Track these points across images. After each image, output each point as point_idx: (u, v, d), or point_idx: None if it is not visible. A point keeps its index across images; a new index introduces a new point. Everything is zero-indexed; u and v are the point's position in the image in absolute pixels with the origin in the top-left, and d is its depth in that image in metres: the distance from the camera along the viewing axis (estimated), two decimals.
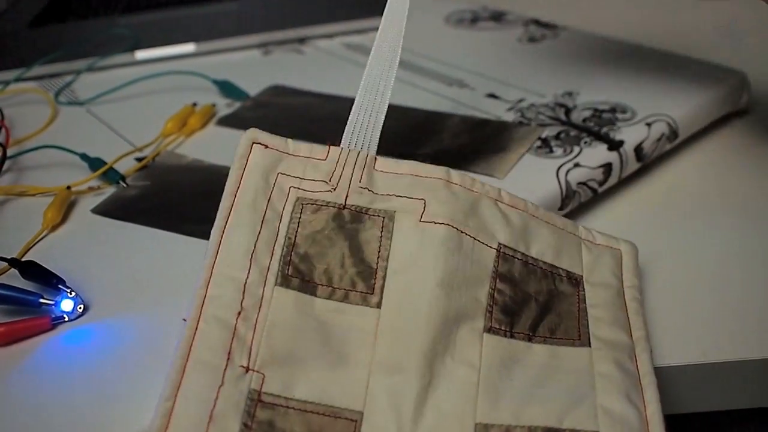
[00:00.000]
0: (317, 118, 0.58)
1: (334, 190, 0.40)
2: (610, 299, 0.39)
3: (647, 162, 0.51)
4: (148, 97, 0.63)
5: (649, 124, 0.51)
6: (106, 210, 0.49)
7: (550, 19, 0.70)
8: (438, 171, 0.41)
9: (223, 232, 0.37)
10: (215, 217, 0.41)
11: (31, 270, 0.41)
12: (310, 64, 0.67)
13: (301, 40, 0.71)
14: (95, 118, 0.61)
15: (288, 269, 0.37)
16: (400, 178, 0.40)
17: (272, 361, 0.34)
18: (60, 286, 0.40)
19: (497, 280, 0.38)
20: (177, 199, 0.49)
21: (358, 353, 0.35)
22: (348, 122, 0.43)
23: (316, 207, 0.39)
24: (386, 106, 0.43)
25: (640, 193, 0.51)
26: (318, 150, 0.41)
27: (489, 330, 0.36)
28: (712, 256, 0.45)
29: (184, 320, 0.34)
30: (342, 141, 0.42)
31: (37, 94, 0.65)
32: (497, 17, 0.72)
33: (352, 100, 0.60)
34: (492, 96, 0.58)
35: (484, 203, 0.40)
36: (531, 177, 0.47)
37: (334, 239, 0.38)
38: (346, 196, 0.39)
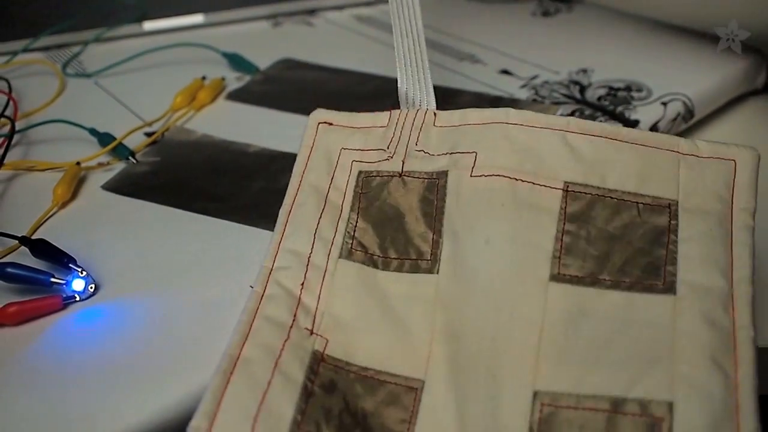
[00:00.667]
0: (328, 93, 0.57)
1: (392, 157, 0.40)
2: (709, 229, 0.35)
3: None
4: (156, 69, 0.63)
5: (665, 104, 0.50)
6: (117, 186, 0.48)
7: None
8: (497, 114, 0.39)
9: (291, 210, 0.39)
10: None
11: (42, 248, 0.41)
12: (319, 36, 0.66)
13: (311, 12, 0.70)
14: (103, 90, 0.60)
15: (351, 243, 0.38)
16: (456, 130, 0.40)
17: (335, 328, 0.35)
18: (71, 265, 0.40)
19: (565, 222, 0.35)
20: (187, 175, 0.49)
21: (419, 322, 0.35)
22: (399, 86, 0.43)
23: (376, 178, 0.40)
24: (427, 61, 0.44)
25: None
26: (380, 117, 0.42)
27: (555, 278, 0.34)
28: None
29: (251, 287, 0.36)
30: (400, 104, 0.43)
31: (44, 66, 0.64)
32: None
33: (362, 75, 0.59)
34: (505, 72, 0.57)
35: (546, 140, 0.38)
36: None
37: (393, 210, 0.38)
38: (403, 163, 0.39)
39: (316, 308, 0.36)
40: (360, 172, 0.40)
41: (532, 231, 0.35)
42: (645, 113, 0.50)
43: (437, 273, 0.36)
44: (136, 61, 0.63)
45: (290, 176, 0.41)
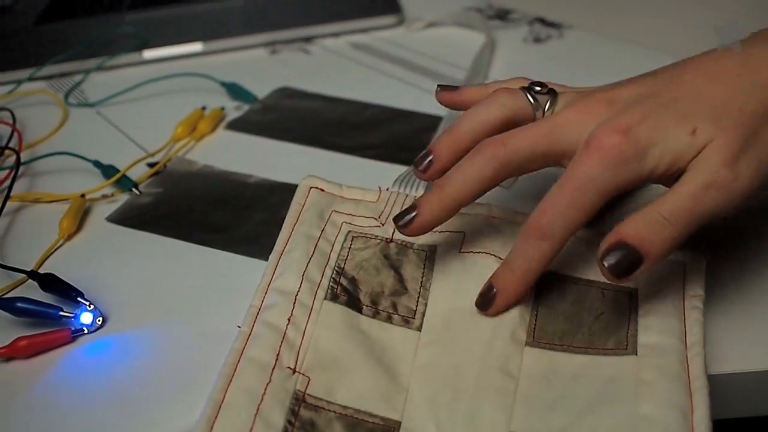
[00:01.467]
0: (325, 122, 0.58)
1: (383, 225, 0.43)
2: (665, 308, 0.38)
3: None
4: (156, 98, 0.64)
5: None
6: (121, 218, 0.50)
7: (555, 18, 0.71)
8: (481, 208, 0.43)
9: (280, 256, 0.41)
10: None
11: (51, 283, 0.42)
12: (316, 64, 0.68)
13: (307, 39, 0.72)
14: (105, 120, 0.62)
15: (337, 288, 0.40)
16: None
17: (318, 366, 0.36)
18: (79, 299, 0.41)
19: (540, 299, 0.39)
20: (190, 206, 0.50)
21: (399, 366, 0.37)
22: (399, 175, 0.48)
23: (366, 239, 0.43)
24: None
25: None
26: (370, 193, 0.46)
27: (531, 344, 0.37)
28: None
29: (239, 327, 0.38)
30: (392, 186, 0.46)
31: (46, 95, 0.66)
32: (503, 15, 0.73)
33: (358, 103, 0.61)
34: None
35: None
36: (537, 186, 0.48)
37: (380, 268, 0.41)
38: (393, 232, 0.42)
39: (301, 344, 0.37)
40: (349, 231, 0.43)
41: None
42: None
43: (419, 330, 0.38)
44: (136, 91, 0.64)
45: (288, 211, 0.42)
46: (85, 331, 0.41)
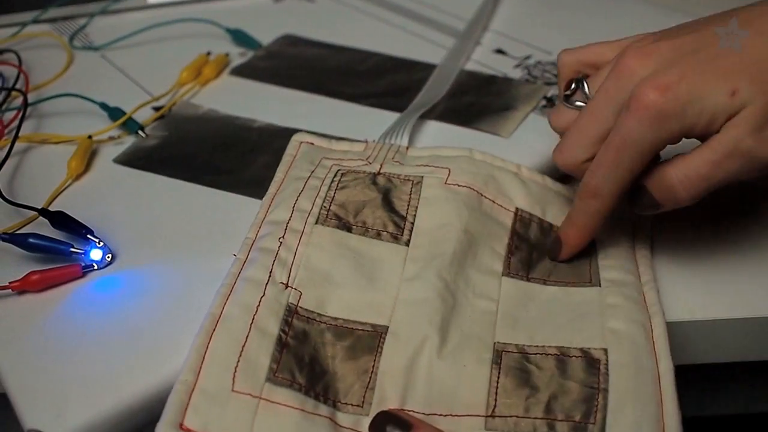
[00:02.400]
0: (328, 70, 0.59)
1: (370, 164, 0.45)
2: (620, 253, 0.43)
3: None
4: (161, 43, 0.64)
5: None
6: (128, 160, 0.51)
7: None
8: (462, 151, 0.46)
9: (273, 198, 0.44)
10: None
11: (61, 220, 0.43)
12: (320, 13, 0.68)
13: None
14: (110, 64, 0.62)
15: (327, 214, 0.42)
16: (429, 150, 0.47)
17: (309, 282, 0.38)
18: (89, 236, 0.43)
19: (515, 238, 0.42)
20: (195, 149, 0.51)
21: (387, 278, 0.39)
22: (386, 129, 0.49)
23: (354, 174, 0.44)
24: (418, 114, 0.50)
25: None
26: (357, 145, 0.48)
27: (507, 274, 0.40)
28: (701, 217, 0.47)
29: (234, 255, 0.40)
30: (378, 138, 0.48)
31: (51, 38, 0.66)
32: None
33: (362, 52, 0.61)
34: (499, 51, 0.59)
35: (504, 174, 0.45)
36: (535, 137, 0.49)
37: (368, 194, 0.43)
38: (381, 166, 0.44)
39: (293, 262, 0.39)
40: (339, 170, 0.45)
41: (492, 236, 0.42)
42: None
43: (407, 245, 0.41)
44: (141, 35, 0.65)
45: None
46: (95, 267, 0.42)
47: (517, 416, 0.35)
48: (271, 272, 0.38)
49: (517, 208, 0.44)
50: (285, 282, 0.38)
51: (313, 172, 0.45)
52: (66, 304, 0.41)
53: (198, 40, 0.64)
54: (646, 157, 0.36)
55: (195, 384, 0.34)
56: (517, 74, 0.56)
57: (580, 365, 0.36)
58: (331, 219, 0.42)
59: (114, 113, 0.54)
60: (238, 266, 0.39)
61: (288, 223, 0.41)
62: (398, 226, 0.42)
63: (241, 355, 0.35)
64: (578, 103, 0.41)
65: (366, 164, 0.45)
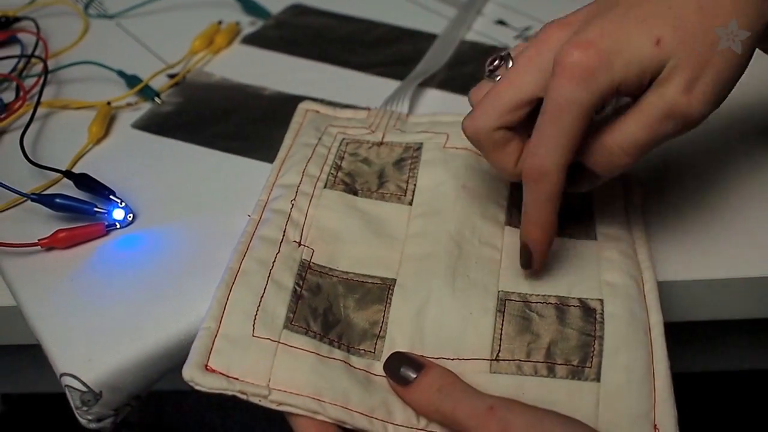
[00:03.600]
0: (336, 39, 0.61)
1: (374, 132, 0.47)
2: (615, 212, 0.45)
3: None
4: (173, 12, 0.67)
5: None
6: (145, 125, 0.53)
7: None
8: (461, 117, 0.46)
9: (283, 162, 0.46)
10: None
11: (85, 182, 0.46)
12: None
13: None
14: (125, 31, 0.65)
15: (335, 180, 0.45)
16: (429, 117, 0.49)
17: (320, 240, 0.41)
18: (111, 197, 0.45)
19: (515, 191, 0.44)
20: (209, 116, 0.54)
21: (393, 235, 0.42)
22: (387, 97, 0.51)
23: (358, 143, 0.47)
24: (418, 82, 0.52)
25: None
26: (360, 113, 0.50)
27: (510, 224, 0.43)
28: (685, 179, 0.50)
29: (249, 216, 0.43)
30: (380, 106, 0.50)
31: (66, 6, 0.68)
32: None
33: (368, 22, 0.63)
34: (500, 22, 0.61)
35: None
36: None
37: (372, 162, 0.46)
38: (383, 135, 0.47)
39: (304, 222, 0.42)
40: (344, 139, 0.47)
41: (493, 191, 0.44)
42: None
43: (411, 205, 0.44)
44: (154, 4, 0.67)
45: None
46: (118, 226, 0.45)
47: (519, 360, 0.38)
48: (284, 231, 0.41)
49: None
50: (298, 240, 0.41)
51: (320, 139, 0.47)
52: (91, 260, 0.44)
53: (209, 8, 0.66)
54: (584, 120, 0.35)
55: (217, 330, 0.37)
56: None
57: (578, 314, 0.39)
58: (338, 184, 0.44)
59: (131, 80, 0.56)
60: (252, 225, 0.42)
61: (299, 186, 0.44)
62: (401, 188, 0.44)
63: (259, 306, 0.38)
64: (499, 79, 0.39)
65: (369, 133, 0.48)
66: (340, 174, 0.45)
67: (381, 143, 0.47)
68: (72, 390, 0.38)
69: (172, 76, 0.58)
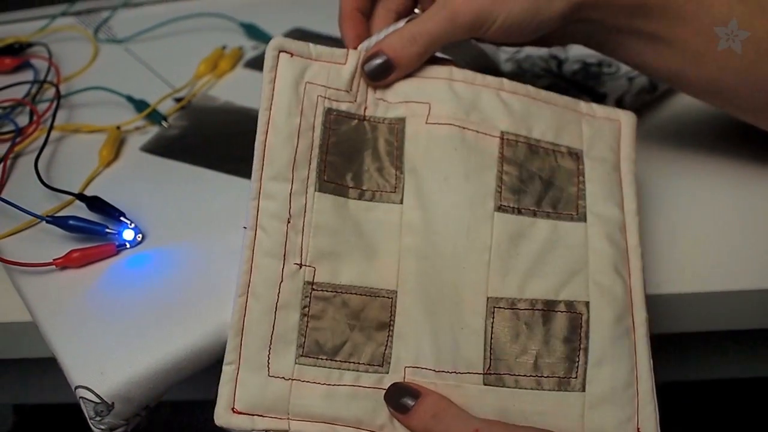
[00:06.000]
0: None
1: (355, 101, 0.45)
2: (606, 173, 0.45)
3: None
4: (179, 36, 0.69)
5: (630, 79, 0.57)
6: (153, 148, 0.56)
7: None
8: (442, 71, 0.46)
9: (265, 146, 0.43)
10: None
11: (97, 204, 0.49)
12: (330, 7, 0.72)
13: None
14: (132, 56, 0.67)
15: (323, 176, 0.43)
16: (409, 82, 0.46)
17: (319, 257, 0.42)
18: (121, 218, 0.48)
19: (503, 164, 0.44)
20: (214, 138, 0.56)
21: (388, 244, 0.43)
22: (365, 42, 0.47)
23: (341, 118, 0.44)
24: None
25: None
26: (338, 54, 0.45)
27: (499, 208, 0.43)
28: (680, 195, 0.52)
29: (245, 228, 0.42)
30: (359, 47, 0.46)
31: (77, 32, 0.71)
32: None
33: None
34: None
35: (485, 96, 0.45)
36: None
37: (358, 148, 0.44)
38: (365, 108, 0.45)
39: (301, 241, 0.42)
40: (328, 110, 0.44)
41: (480, 171, 0.43)
42: (612, 88, 0.57)
43: (401, 203, 0.43)
44: (160, 29, 0.70)
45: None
46: (128, 246, 0.48)
47: (508, 374, 0.40)
48: (285, 255, 0.41)
49: (502, 132, 0.44)
50: (299, 262, 0.41)
51: (302, 111, 0.43)
52: (103, 278, 0.46)
53: (213, 33, 0.69)
54: None
55: (238, 370, 0.39)
56: (508, 68, 0.61)
57: (564, 323, 0.41)
58: (328, 183, 0.43)
59: (139, 105, 0.59)
60: (250, 243, 0.41)
61: (291, 194, 0.42)
62: (390, 183, 0.43)
63: (271, 344, 0.40)
64: None
65: (351, 102, 0.45)
66: (327, 166, 0.43)
67: (364, 119, 0.45)
68: (86, 401, 0.40)
69: (178, 100, 0.60)
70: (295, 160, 0.43)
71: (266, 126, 0.43)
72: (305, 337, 0.40)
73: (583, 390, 0.40)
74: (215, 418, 0.39)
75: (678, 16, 0.43)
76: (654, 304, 0.45)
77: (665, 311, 0.48)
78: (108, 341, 0.42)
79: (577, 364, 0.40)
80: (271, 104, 0.44)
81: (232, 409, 0.39)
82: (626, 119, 0.47)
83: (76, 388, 0.40)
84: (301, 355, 0.40)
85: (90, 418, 0.41)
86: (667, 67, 0.46)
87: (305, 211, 0.42)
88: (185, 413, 0.90)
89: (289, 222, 0.42)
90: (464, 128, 0.44)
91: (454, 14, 0.43)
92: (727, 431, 0.81)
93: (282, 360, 0.40)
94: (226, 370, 0.39)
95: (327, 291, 0.41)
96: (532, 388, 0.40)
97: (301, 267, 0.41)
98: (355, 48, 0.46)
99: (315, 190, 0.43)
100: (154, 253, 0.48)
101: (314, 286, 0.41)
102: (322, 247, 0.42)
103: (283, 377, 0.40)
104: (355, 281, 0.42)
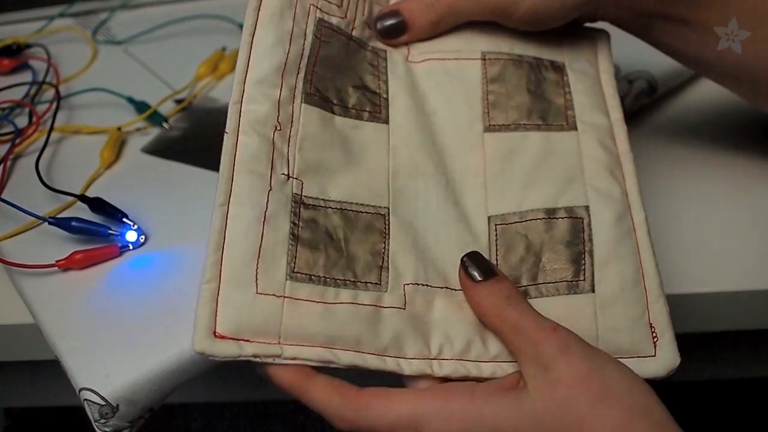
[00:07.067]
0: None
1: (346, 17, 0.45)
2: (589, 85, 0.45)
3: (627, 114, 0.58)
4: (178, 38, 0.69)
5: (630, 81, 0.58)
6: (154, 150, 0.56)
7: None
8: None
9: (251, 46, 0.41)
10: None
11: (99, 205, 0.49)
12: None
13: None
14: (132, 58, 0.67)
15: (310, 87, 0.42)
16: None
17: (307, 170, 0.40)
18: (124, 219, 0.48)
19: (488, 84, 0.45)
20: (214, 140, 0.56)
21: (377, 160, 0.42)
22: None
23: (331, 32, 0.44)
24: None
25: None
26: None
27: (488, 129, 0.43)
28: (679, 199, 0.52)
29: (226, 133, 0.40)
30: None
31: (75, 33, 0.71)
32: None
33: None
34: None
35: (463, 26, 0.46)
36: None
37: (344, 65, 0.44)
38: (352, 29, 0.45)
39: (288, 151, 0.39)
40: (320, 20, 0.43)
41: (465, 97, 0.44)
42: None
43: (387, 123, 0.43)
44: (160, 30, 0.69)
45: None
46: (131, 248, 0.47)
47: (517, 285, 0.40)
48: (272, 163, 0.39)
49: (482, 53, 0.45)
50: (286, 173, 0.39)
51: (294, 16, 0.42)
52: (106, 280, 0.46)
53: (213, 35, 0.68)
54: None
55: (219, 289, 0.36)
56: None
57: (566, 227, 0.40)
58: (314, 95, 0.41)
59: (140, 106, 0.59)
60: (231, 147, 0.39)
61: (279, 100, 0.40)
62: (375, 104, 0.43)
63: (259, 257, 0.37)
64: None
65: (342, 18, 0.44)
66: (314, 78, 0.42)
67: (351, 38, 0.44)
68: (91, 404, 0.40)
69: (178, 102, 0.60)
70: (285, 65, 0.41)
71: (253, 27, 0.42)
72: (297, 251, 0.37)
73: (593, 291, 0.39)
74: (193, 344, 0.35)
75: (704, 1, 0.43)
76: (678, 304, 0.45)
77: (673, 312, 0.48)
78: (112, 343, 0.42)
79: (583, 266, 0.40)
80: (260, 4, 0.42)
81: (214, 333, 0.35)
82: (601, 36, 0.48)
83: (81, 390, 0.40)
84: (293, 271, 0.37)
85: (95, 421, 0.41)
86: (693, 51, 0.46)
87: (292, 121, 0.40)
88: (185, 415, 0.90)
89: (277, 129, 0.40)
90: (444, 59, 0.45)
91: None
92: (731, 431, 0.82)
93: (272, 275, 0.36)
94: (205, 289, 0.36)
95: (317, 206, 0.39)
96: (542, 296, 0.39)
97: (288, 178, 0.39)
98: None
99: (301, 101, 0.41)
100: (158, 254, 0.47)
101: (303, 200, 0.39)
102: (310, 160, 0.40)
103: (273, 294, 0.36)
104: (345, 197, 0.40)
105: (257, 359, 0.35)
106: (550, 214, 0.41)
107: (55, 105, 0.58)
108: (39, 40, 0.69)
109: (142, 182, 0.53)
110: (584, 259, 0.40)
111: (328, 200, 0.39)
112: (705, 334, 0.50)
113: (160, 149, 0.56)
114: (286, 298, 0.36)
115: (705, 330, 0.49)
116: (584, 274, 0.40)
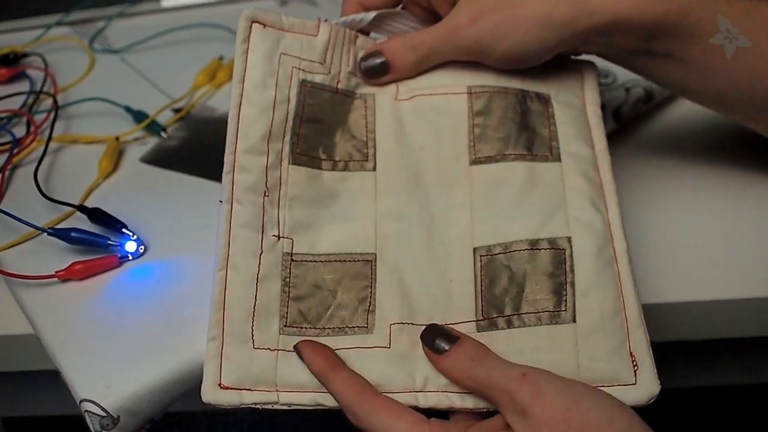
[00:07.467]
0: None
1: (329, 72, 0.45)
2: (574, 116, 0.46)
3: (625, 122, 0.58)
4: (176, 47, 0.69)
5: (627, 89, 0.58)
6: (152, 159, 0.56)
7: None
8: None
9: (239, 119, 0.43)
10: None
11: (98, 216, 0.49)
12: (323, 16, 0.73)
13: None
14: (129, 66, 0.67)
15: (297, 148, 0.43)
16: None
17: (297, 228, 0.42)
18: (123, 230, 0.48)
19: (474, 117, 0.45)
20: (213, 149, 0.56)
21: (364, 209, 0.43)
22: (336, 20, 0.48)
23: (316, 90, 0.45)
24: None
25: (620, 150, 0.58)
26: (310, 26, 0.45)
27: (474, 162, 0.44)
28: (677, 205, 0.52)
29: (220, 201, 0.42)
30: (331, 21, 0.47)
31: (72, 42, 0.71)
32: None
33: None
34: None
35: (449, 63, 0.46)
36: None
37: (331, 119, 0.45)
38: (338, 81, 0.46)
39: (278, 213, 0.42)
40: (303, 81, 0.44)
41: (452, 131, 0.45)
42: (609, 98, 0.57)
43: (374, 170, 0.44)
44: (157, 39, 0.69)
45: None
46: (130, 258, 0.47)
47: (500, 316, 0.40)
48: (263, 228, 0.41)
49: (468, 87, 0.46)
50: (276, 234, 0.42)
51: (277, 83, 0.43)
52: (106, 290, 0.46)
53: (210, 43, 0.69)
54: None
55: (222, 345, 0.39)
56: None
57: (548, 258, 0.41)
58: (301, 155, 0.43)
59: (138, 116, 0.59)
60: (227, 217, 0.41)
61: (267, 166, 0.42)
62: (362, 152, 0.45)
63: (254, 316, 0.40)
64: None
65: (325, 74, 0.45)
66: (300, 139, 0.43)
67: (337, 90, 0.45)
68: (91, 415, 0.40)
69: (176, 111, 0.60)
70: (270, 132, 0.43)
71: (239, 99, 0.43)
72: (288, 307, 0.40)
73: (574, 321, 0.40)
74: (202, 395, 0.38)
75: (687, 35, 0.43)
76: (653, 313, 0.46)
77: (664, 320, 0.48)
78: (112, 354, 0.42)
79: (565, 297, 0.40)
80: (244, 77, 0.43)
81: (219, 384, 0.39)
82: (587, 68, 0.48)
83: (81, 401, 0.40)
84: (285, 326, 0.40)
85: None
86: (679, 81, 0.47)
87: (281, 184, 0.43)
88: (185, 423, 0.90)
89: (266, 195, 0.42)
90: (431, 95, 0.46)
91: (455, 35, 0.44)
92: None
93: (266, 331, 0.40)
94: (210, 346, 0.39)
95: (306, 261, 0.42)
96: (525, 325, 0.40)
97: (279, 239, 0.42)
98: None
99: (289, 163, 0.43)
100: (157, 264, 0.47)
101: (293, 257, 0.42)
102: (300, 218, 0.42)
103: (268, 348, 0.40)
104: (334, 249, 0.42)
105: (257, 406, 0.39)
106: (533, 245, 0.41)
107: (52, 114, 0.58)
108: (36, 49, 0.69)
109: (141, 192, 0.53)
110: (566, 290, 0.41)
111: (317, 255, 0.42)
112: (698, 342, 0.51)
113: (159, 159, 0.56)
114: (279, 351, 0.40)
115: (697, 338, 0.50)
116: (566, 305, 0.40)
